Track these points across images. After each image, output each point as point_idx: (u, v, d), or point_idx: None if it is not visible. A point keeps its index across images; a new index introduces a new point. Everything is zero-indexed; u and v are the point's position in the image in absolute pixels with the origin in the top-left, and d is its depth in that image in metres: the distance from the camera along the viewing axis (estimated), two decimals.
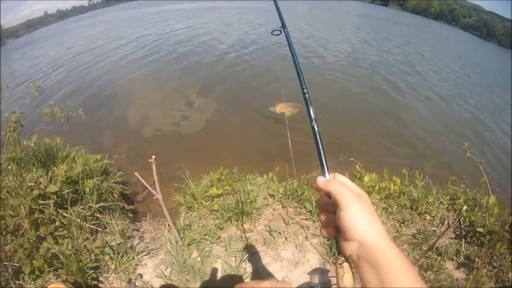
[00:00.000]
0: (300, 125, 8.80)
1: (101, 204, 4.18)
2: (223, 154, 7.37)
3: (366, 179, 4.53)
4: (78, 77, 14.23)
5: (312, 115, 1.08)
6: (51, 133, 5.44)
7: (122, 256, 3.55)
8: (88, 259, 3.33)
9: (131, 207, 4.88)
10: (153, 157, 2.95)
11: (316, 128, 1.05)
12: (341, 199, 0.81)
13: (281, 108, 9.45)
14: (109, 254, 3.51)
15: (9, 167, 4.11)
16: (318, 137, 1.04)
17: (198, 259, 3.67)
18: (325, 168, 0.95)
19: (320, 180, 0.90)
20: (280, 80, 11.48)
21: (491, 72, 26.92)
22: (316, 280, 1.09)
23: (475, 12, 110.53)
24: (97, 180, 4.47)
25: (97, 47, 19.40)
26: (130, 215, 4.74)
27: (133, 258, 3.62)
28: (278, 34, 1.45)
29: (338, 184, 0.85)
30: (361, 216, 0.79)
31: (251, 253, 3.77)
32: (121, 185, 4.95)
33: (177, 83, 12.47)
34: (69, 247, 3.31)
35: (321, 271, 1.11)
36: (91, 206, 4.03)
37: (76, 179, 4.31)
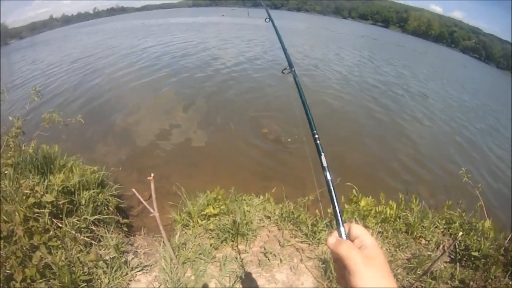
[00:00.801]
0: (296, 146, 8.87)
1: (96, 216, 4.12)
2: (219, 172, 7.30)
3: (362, 203, 4.49)
4: (74, 85, 14.10)
5: (325, 164, 1.03)
6: (49, 139, 5.37)
7: (115, 271, 3.47)
8: (81, 272, 3.27)
9: (126, 221, 4.83)
10: (152, 175, 2.91)
11: (330, 179, 0.98)
12: (350, 263, 0.78)
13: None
14: (103, 268, 3.44)
15: (6, 172, 4.02)
16: (332, 189, 0.96)
17: (192, 278, 3.59)
18: (340, 221, 0.89)
19: (330, 242, 0.86)
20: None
21: (487, 95, 27.20)
22: None
23: (475, 34, 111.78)
24: (93, 192, 4.41)
25: (96, 56, 19.28)
26: (125, 229, 4.67)
27: (127, 273, 3.54)
28: (288, 73, 1.47)
29: (346, 247, 0.82)
30: (369, 282, 0.75)
31: (246, 274, 3.71)
32: (116, 199, 4.89)
33: (175, 96, 12.38)
34: (63, 258, 3.25)
35: None
36: (86, 218, 3.97)
37: (72, 190, 4.25)
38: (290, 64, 1.48)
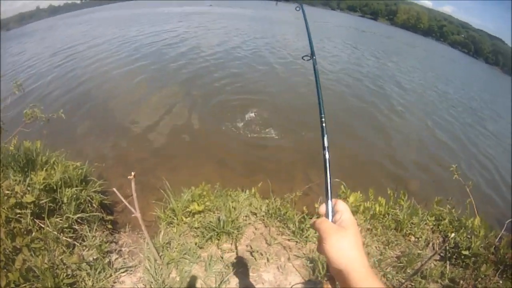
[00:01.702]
0: (286, 140, 8.72)
1: (79, 215, 3.93)
2: (204, 165, 7.08)
3: (351, 199, 4.32)
4: (56, 77, 13.40)
5: (326, 144, 1.13)
6: (31, 135, 5.13)
7: (99, 273, 3.32)
8: (65, 275, 3.12)
9: (110, 217, 4.62)
10: (132, 173, 2.74)
11: (327, 157, 1.10)
12: (322, 233, 0.92)
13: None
14: (86, 270, 3.28)
15: None
16: (327, 166, 1.09)
17: (177, 279, 3.45)
18: (329, 195, 1.03)
19: (311, 222, 1.17)
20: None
21: (474, 89, 27.36)
22: None
23: (464, 29, 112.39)
24: (76, 189, 4.20)
25: (79, 47, 18.53)
26: (109, 226, 4.46)
27: (111, 275, 3.39)
28: (308, 60, 1.53)
29: (320, 220, 0.97)
30: (336, 246, 0.87)
31: (232, 274, 3.56)
32: (100, 195, 4.68)
33: (160, 89, 11.81)
34: (46, 261, 3.09)
35: None
36: (69, 217, 3.79)
37: (55, 187, 4.04)
38: (313, 53, 1.52)
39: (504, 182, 10.16)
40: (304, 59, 1.55)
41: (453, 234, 3.40)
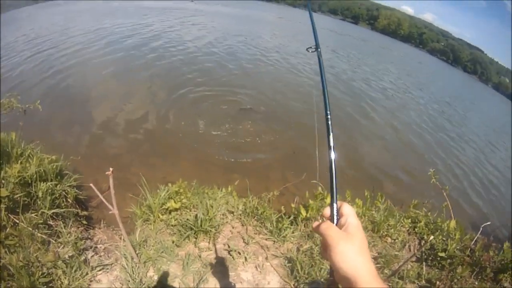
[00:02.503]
0: (263, 138, 8.66)
1: (54, 210, 3.78)
2: (181, 162, 6.96)
3: (328, 200, 4.27)
4: (29, 68, 12.00)
5: (332, 143, 1.07)
6: (6, 127, 4.90)
7: (75, 271, 3.16)
8: (40, 273, 2.96)
9: (85, 213, 4.44)
10: (111, 169, 2.63)
11: (333, 158, 1.03)
12: (328, 239, 0.86)
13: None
14: (62, 268, 3.12)
15: None
16: (333, 167, 1.02)
17: (155, 277, 3.34)
18: (335, 198, 0.97)
19: (314, 225, 0.96)
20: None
21: (450, 95, 28.01)
22: None
23: (444, 37, 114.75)
24: (51, 183, 4.04)
25: (55, 36, 17.65)
26: (84, 222, 4.29)
27: (87, 273, 3.23)
28: (312, 52, 1.48)
29: (325, 226, 0.90)
30: (344, 256, 0.82)
31: (210, 273, 3.47)
32: (75, 189, 4.51)
33: (139, 82, 11.41)
34: (20, 258, 2.94)
35: None
36: (44, 212, 3.64)
37: (30, 181, 3.87)
38: (317, 45, 1.49)
39: (476, 187, 10.44)
40: (308, 51, 1.51)
41: (432, 237, 3.42)
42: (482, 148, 15.70)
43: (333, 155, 1.03)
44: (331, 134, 1.09)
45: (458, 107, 24.63)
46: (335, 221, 0.93)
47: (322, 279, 3.47)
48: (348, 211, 0.93)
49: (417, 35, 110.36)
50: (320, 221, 0.95)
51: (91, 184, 2.87)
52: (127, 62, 13.40)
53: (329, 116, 1.13)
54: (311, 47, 1.51)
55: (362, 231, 0.89)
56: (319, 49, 1.46)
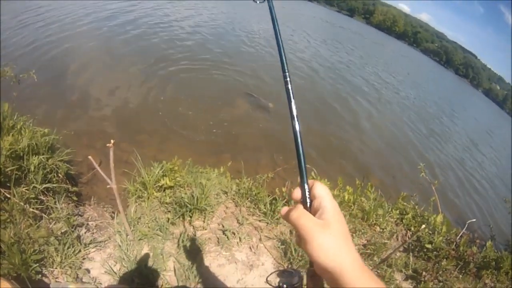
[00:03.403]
0: (253, 117, 8.71)
1: (46, 185, 3.68)
2: (172, 141, 6.83)
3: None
4: (24, 40, 11.27)
5: (294, 112, 0.88)
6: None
7: (68, 248, 3.06)
8: (32, 250, 2.86)
9: (75, 189, 4.37)
10: (112, 141, 2.59)
11: (297, 129, 0.87)
12: (302, 232, 0.73)
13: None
14: (54, 245, 3.02)
15: None
16: (299, 140, 0.86)
17: (150, 255, 3.29)
18: (304, 178, 0.81)
19: (282, 212, 0.82)
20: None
21: (441, 96, 28.35)
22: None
23: (438, 39, 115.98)
24: (43, 157, 3.92)
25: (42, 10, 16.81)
26: (74, 198, 4.18)
27: (80, 251, 3.13)
28: (262, 2, 1.23)
29: (296, 215, 0.76)
30: (323, 252, 0.70)
31: (205, 252, 3.45)
32: (66, 165, 4.37)
33: (132, 60, 10.90)
34: (11, 235, 2.83)
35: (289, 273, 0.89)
36: (36, 187, 3.54)
37: (21, 154, 3.75)
38: None
39: (463, 184, 10.70)
40: (255, 1, 1.25)
41: (423, 226, 3.49)
42: (467, 147, 16.08)
43: (297, 126, 0.87)
44: (292, 101, 0.89)
45: (446, 107, 25.01)
46: (308, 205, 0.80)
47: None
48: (322, 192, 0.79)
49: (411, 33, 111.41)
50: (289, 206, 0.82)
51: (89, 157, 2.82)
52: (112, 38, 13.01)
53: (288, 79, 0.93)
54: None
55: (341, 214, 0.77)
56: None
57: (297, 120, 0.88)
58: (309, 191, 0.80)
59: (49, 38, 10.84)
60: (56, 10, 13.90)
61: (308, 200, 0.79)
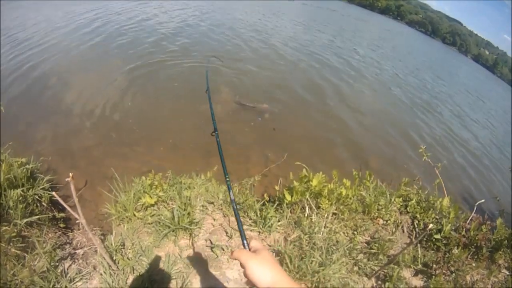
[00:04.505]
0: (239, 115, 8.26)
1: (28, 219, 3.41)
2: (157, 150, 6.36)
3: (314, 182, 3.81)
4: None
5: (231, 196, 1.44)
6: None
7: (53, 285, 2.86)
8: None
9: (62, 215, 4.10)
10: (70, 175, 2.25)
11: (233, 199, 1.51)
12: (241, 261, 1.04)
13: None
14: (40, 284, 2.81)
15: None
16: (238, 216, 1.41)
17: (136, 283, 2.97)
18: (243, 237, 1.22)
19: (230, 254, 1.34)
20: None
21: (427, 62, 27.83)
22: None
23: (422, 10, 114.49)
24: (22, 189, 3.65)
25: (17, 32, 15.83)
26: (61, 225, 3.93)
27: (66, 287, 2.91)
28: None
29: (238, 250, 1.09)
30: (254, 269, 1.01)
31: (193, 274, 3.13)
32: (49, 192, 4.08)
33: (108, 68, 10.17)
34: None
35: None
36: (17, 223, 3.29)
37: None
38: None
39: (468, 162, 10.28)
40: None
41: (431, 225, 3.12)
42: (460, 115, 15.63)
43: (232, 196, 1.44)
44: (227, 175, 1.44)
45: (440, 74, 24.58)
46: (246, 248, 1.17)
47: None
48: (255, 244, 1.15)
49: (394, 7, 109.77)
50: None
51: (54, 193, 2.49)
52: (95, 45, 12.34)
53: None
54: None
55: (267, 250, 1.10)
56: None
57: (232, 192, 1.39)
58: (248, 244, 1.17)
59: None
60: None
61: (247, 248, 1.15)
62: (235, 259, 1.06)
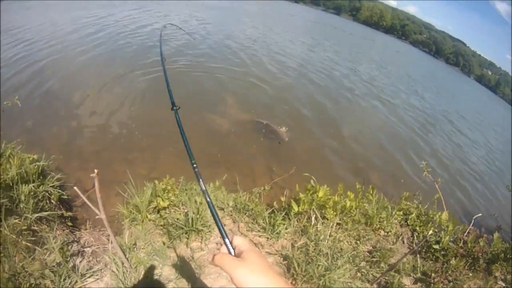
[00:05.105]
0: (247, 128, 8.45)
1: (38, 214, 3.49)
2: (165, 157, 6.52)
3: (320, 193, 4.03)
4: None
5: (203, 187, 1.18)
6: None
7: (64, 280, 2.90)
8: (28, 285, 2.73)
9: (70, 214, 4.20)
10: (95, 171, 2.41)
11: (209, 200, 1.11)
12: (226, 269, 0.88)
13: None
14: (50, 278, 2.87)
15: None
16: (214, 211, 1.07)
17: (148, 282, 3.10)
18: (224, 235, 0.98)
19: (210, 260, 0.96)
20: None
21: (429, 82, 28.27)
22: None
23: (427, 30, 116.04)
24: (33, 185, 3.75)
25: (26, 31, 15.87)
26: (69, 223, 4.03)
27: (76, 281, 2.96)
28: None
29: (219, 257, 0.91)
30: (242, 279, 0.83)
31: (204, 275, 3.23)
32: (58, 190, 4.21)
33: (117, 76, 10.47)
34: (6, 269, 2.72)
35: None
36: (27, 217, 3.36)
37: (11, 184, 3.57)
38: None
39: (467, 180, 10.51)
40: None
41: (430, 231, 3.33)
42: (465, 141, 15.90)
43: (208, 198, 1.10)
44: (200, 179, 1.22)
45: (443, 95, 24.96)
46: (232, 252, 0.95)
47: None
48: (239, 241, 0.97)
49: (399, 26, 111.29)
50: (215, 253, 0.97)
51: (75, 188, 2.63)
52: (104, 52, 12.75)
53: (195, 165, 1.36)
54: None
55: (255, 251, 0.92)
56: None
57: (208, 194, 1.13)
58: (231, 243, 0.97)
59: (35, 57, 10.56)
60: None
61: (231, 250, 0.95)
62: (217, 265, 0.92)
